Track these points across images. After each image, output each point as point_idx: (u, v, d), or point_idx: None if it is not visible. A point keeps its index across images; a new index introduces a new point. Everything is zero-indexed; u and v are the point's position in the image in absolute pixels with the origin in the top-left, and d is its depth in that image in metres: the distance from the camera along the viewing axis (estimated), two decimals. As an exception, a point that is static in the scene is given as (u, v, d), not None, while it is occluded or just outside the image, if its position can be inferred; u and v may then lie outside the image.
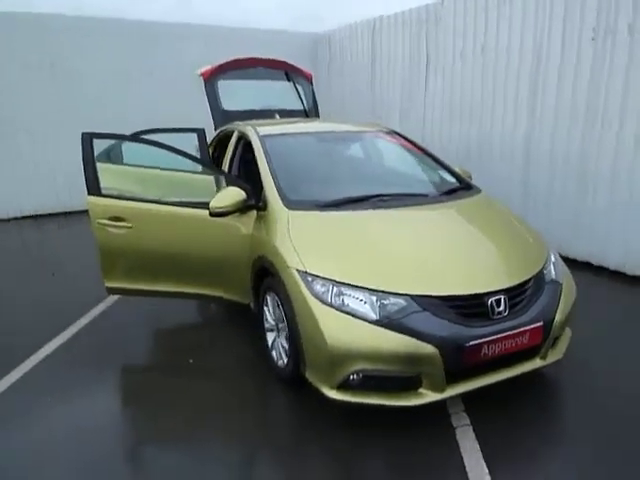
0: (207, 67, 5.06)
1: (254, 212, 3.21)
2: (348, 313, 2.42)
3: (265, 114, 4.90)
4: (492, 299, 2.46)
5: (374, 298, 2.42)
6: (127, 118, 6.42)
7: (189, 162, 3.85)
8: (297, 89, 5.37)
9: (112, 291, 3.59)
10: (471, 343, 2.37)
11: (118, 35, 7.41)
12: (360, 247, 2.71)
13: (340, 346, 2.38)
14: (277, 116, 4.90)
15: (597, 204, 4.60)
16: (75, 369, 3.26)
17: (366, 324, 2.38)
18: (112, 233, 3.34)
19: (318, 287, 2.52)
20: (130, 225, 3.32)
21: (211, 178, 3.63)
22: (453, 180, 3.61)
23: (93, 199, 3.31)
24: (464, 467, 2.29)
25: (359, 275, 2.51)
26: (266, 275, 3.00)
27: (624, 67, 4.24)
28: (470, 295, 2.45)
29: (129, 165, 3.78)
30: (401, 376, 2.41)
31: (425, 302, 2.41)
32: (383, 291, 2.43)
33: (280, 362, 2.95)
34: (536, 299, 2.62)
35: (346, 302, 2.45)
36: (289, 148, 3.63)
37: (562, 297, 2.75)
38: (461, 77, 5.89)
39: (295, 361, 2.72)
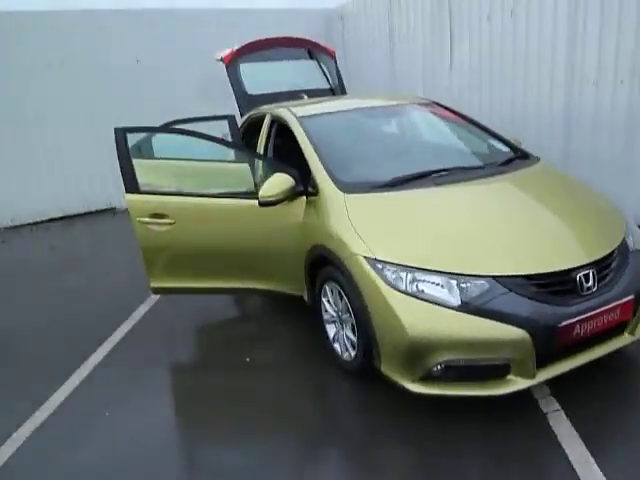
0: (227, 51, 4.85)
1: (303, 198, 3.03)
2: (427, 300, 2.25)
3: (292, 95, 4.69)
4: (580, 274, 2.28)
5: (454, 282, 2.25)
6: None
7: (222, 151, 3.68)
8: (321, 67, 5.14)
9: (158, 291, 3.45)
10: (563, 323, 2.20)
11: (130, 26, 7.19)
12: (428, 228, 2.52)
13: (422, 336, 2.21)
14: (305, 96, 4.68)
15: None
16: (130, 372, 3.15)
17: (448, 311, 2.21)
18: (154, 231, 3.19)
19: (389, 274, 2.34)
20: (172, 221, 3.16)
21: (246, 166, 3.46)
22: (507, 149, 3.40)
23: (132, 197, 3.16)
24: (566, 455, 2.13)
25: (434, 258, 2.33)
26: (324, 264, 2.83)
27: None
28: (558, 272, 2.26)
29: (162, 159, 3.61)
30: (488, 364, 2.24)
31: (510, 283, 2.23)
32: (463, 274, 2.26)
33: (346, 355, 2.80)
34: (623, 271, 2.43)
35: (421, 288, 2.28)
36: (330, 128, 3.43)
37: (648, 266, 2.56)
38: (490, 43, 5.59)
39: (366, 354, 2.56)
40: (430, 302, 2.24)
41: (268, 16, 7.88)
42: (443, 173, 2.96)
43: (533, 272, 2.25)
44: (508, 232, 2.51)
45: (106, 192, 7.35)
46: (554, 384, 2.52)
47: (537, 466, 2.14)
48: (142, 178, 3.20)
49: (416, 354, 2.25)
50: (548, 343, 2.21)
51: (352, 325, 2.67)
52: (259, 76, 4.88)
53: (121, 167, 3.14)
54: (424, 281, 2.29)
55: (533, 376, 2.25)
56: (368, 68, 7.54)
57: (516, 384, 2.24)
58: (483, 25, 5.64)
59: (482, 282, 2.24)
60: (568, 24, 4.72)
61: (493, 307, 2.19)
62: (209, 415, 2.70)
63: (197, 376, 3.11)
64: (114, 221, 7.10)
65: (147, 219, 3.16)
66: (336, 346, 2.90)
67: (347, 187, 2.82)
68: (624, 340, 2.49)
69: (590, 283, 2.29)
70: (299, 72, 5.18)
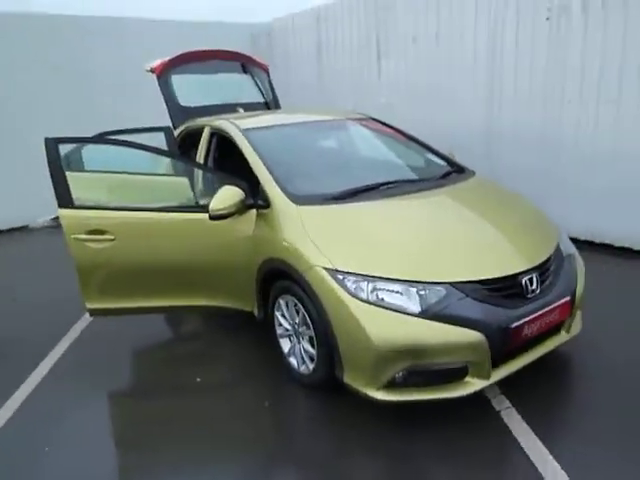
0: (157, 62, 4.68)
1: (252, 212, 2.98)
2: (388, 308, 2.29)
3: (227, 108, 4.61)
4: (525, 278, 2.44)
5: (413, 290, 2.31)
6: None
7: (160, 163, 3.55)
8: (255, 81, 5.12)
9: (95, 312, 3.21)
10: (514, 324, 2.34)
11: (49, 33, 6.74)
12: (385, 238, 2.58)
13: (386, 344, 2.25)
14: (241, 110, 4.63)
15: (564, 183, 4.77)
16: (67, 399, 2.89)
17: (410, 318, 2.27)
18: (92, 249, 2.98)
19: (350, 284, 2.36)
20: (112, 237, 2.97)
21: (185, 179, 3.36)
22: (444, 163, 3.58)
23: (66, 212, 2.93)
24: (522, 449, 2.26)
25: (392, 267, 2.39)
26: (277, 278, 2.80)
27: (579, 46, 4.41)
28: (507, 276, 2.41)
29: (98, 171, 3.40)
30: (448, 367, 2.32)
31: (465, 288, 2.33)
32: (421, 281, 2.33)
33: (303, 368, 2.78)
34: (559, 274, 2.64)
35: (381, 296, 2.33)
36: (275, 140, 3.41)
37: (578, 269, 2.80)
38: (415, 63, 5.90)
39: (327, 366, 2.56)
40: (391, 310, 2.29)
41: (192, 29, 7.72)
42: (391, 185, 3.05)
43: (485, 277, 2.38)
44: (457, 241, 2.63)
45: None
46: (503, 384, 2.66)
47: (497, 458, 2.28)
48: (76, 192, 2.99)
49: (380, 362, 2.28)
50: (501, 344, 2.34)
51: (310, 337, 2.65)
52: (192, 88, 4.76)
53: (53, 180, 2.91)
54: (384, 289, 2.33)
55: (488, 377, 2.37)
56: (297, 88, 7.62)
57: (474, 385, 2.35)
58: (409, 45, 5.93)
59: (439, 288, 2.32)
60: (488, 47, 5.12)
61: (452, 312, 2.28)
62: (158, 440, 2.54)
63: (142, 400, 2.91)
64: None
65: (83, 236, 2.95)
66: (292, 360, 2.86)
67: (299, 199, 2.82)
68: (562, 338, 2.70)
69: (534, 286, 2.46)
70: (233, 85, 5.12)
